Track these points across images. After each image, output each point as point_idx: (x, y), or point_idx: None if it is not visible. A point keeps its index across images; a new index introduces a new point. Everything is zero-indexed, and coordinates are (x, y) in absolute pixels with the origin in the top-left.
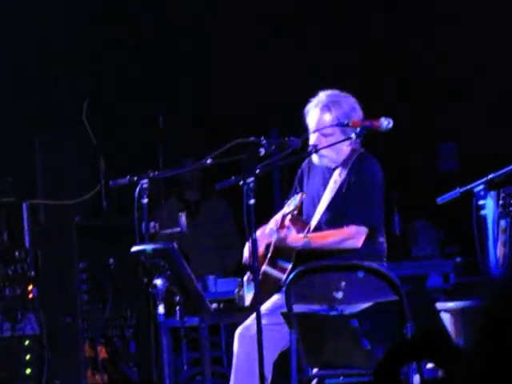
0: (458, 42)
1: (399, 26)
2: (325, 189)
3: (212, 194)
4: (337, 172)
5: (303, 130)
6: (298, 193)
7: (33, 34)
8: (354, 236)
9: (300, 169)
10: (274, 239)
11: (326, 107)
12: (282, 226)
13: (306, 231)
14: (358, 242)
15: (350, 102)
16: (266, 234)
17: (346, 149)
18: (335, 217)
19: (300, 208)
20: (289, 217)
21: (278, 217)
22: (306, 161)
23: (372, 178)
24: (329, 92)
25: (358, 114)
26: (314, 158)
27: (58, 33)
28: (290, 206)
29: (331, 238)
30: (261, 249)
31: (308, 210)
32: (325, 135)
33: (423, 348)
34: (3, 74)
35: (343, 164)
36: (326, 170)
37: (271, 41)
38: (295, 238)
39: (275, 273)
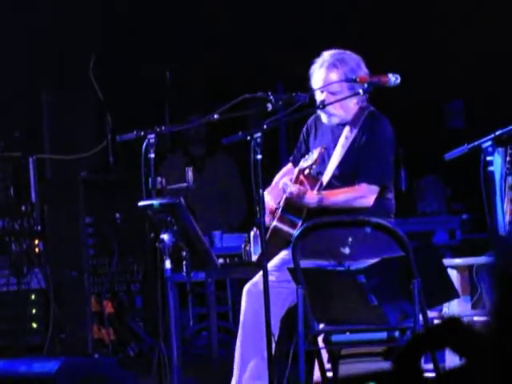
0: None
1: None
2: (335, 145)
3: (218, 149)
4: (347, 129)
5: (309, 85)
6: (302, 150)
7: None
8: (365, 194)
9: (305, 126)
10: (287, 193)
11: (332, 65)
12: (296, 180)
13: (317, 187)
14: (370, 201)
15: (354, 59)
16: (278, 188)
17: (354, 107)
18: (347, 173)
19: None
20: (306, 171)
21: (284, 170)
22: (312, 118)
23: (383, 137)
24: (332, 51)
25: (364, 71)
26: (323, 117)
27: None
28: (307, 160)
29: (344, 195)
30: (272, 204)
31: (318, 166)
32: (332, 93)
33: (443, 337)
34: (12, 33)
35: (353, 122)
36: (335, 126)
37: None
38: (310, 195)
39: (286, 228)
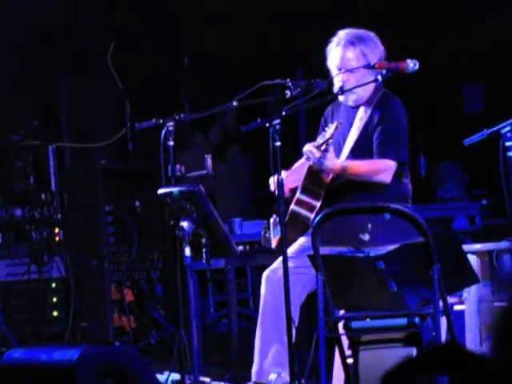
0: None
1: None
2: (350, 128)
3: (237, 136)
4: (361, 110)
5: (327, 70)
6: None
7: None
8: (385, 169)
9: (323, 117)
10: (311, 162)
11: (350, 42)
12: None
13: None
14: (388, 177)
15: (370, 36)
16: (297, 172)
17: (371, 85)
18: (361, 155)
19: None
20: (323, 147)
21: (303, 160)
22: (329, 107)
23: (397, 116)
24: (348, 30)
25: (381, 48)
26: (340, 96)
27: None
28: (323, 137)
29: (366, 167)
30: (288, 188)
31: (334, 150)
32: (351, 71)
33: (436, 361)
34: (29, 20)
35: (367, 102)
36: (350, 109)
37: None
38: (334, 162)
39: (303, 212)
